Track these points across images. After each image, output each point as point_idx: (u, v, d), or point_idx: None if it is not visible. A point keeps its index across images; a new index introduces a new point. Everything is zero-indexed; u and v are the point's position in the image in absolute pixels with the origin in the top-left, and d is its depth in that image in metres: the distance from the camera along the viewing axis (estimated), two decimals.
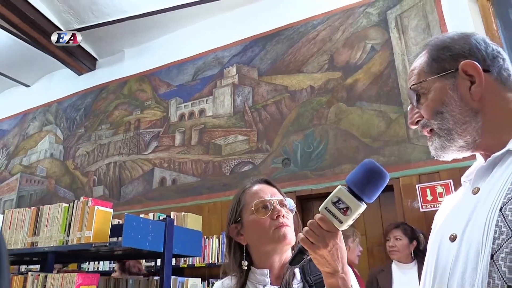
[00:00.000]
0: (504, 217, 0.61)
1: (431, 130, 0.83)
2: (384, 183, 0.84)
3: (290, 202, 1.17)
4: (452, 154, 0.83)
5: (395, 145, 3.87)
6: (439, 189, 3.49)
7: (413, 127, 0.88)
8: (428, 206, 3.47)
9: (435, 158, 0.87)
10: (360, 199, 0.82)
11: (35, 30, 5.39)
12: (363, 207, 0.83)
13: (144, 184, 5.33)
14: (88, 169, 5.94)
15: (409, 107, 0.90)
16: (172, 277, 2.57)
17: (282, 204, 1.15)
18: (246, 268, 1.11)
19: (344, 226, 0.84)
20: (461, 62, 0.78)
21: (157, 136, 5.51)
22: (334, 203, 0.83)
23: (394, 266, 3.01)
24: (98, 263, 4.51)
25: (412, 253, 3.00)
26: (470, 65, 0.78)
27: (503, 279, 0.59)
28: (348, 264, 2.85)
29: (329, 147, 4.21)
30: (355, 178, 0.83)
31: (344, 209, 0.82)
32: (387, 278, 2.93)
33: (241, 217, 1.16)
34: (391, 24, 4.29)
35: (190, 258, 4.03)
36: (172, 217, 3.07)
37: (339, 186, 0.84)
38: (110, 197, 5.51)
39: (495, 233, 0.61)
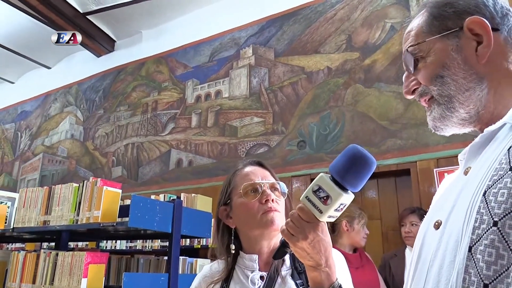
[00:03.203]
0: (486, 203, 0.52)
1: (430, 98, 0.74)
2: (368, 170, 0.76)
3: (283, 186, 1.12)
4: (452, 127, 0.74)
5: (413, 128, 3.75)
6: None
7: (409, 97, 0.79)
8: None
9: (433, 131, 0.78)
10: (343, 188, 0.75)
11: (53, 11, 5.42)
12: (345, 196, 0.75)
13: (161, 165, 5.37)
14: (107, 150, 6.02)
15: (404, 76, 0.80)
16: (181, 257, 2.60)
17: (273, 187, 1.10)
18: (234, 252, 1.07)
19: (325, 217, 0.77)
20: (467, 19, 0.69)
21: (174, 117, 5.52)
22: (314, 192, 0.76)
23: (408, 252, 2.95)
24: (116, 242, 4.59)
25: None
26: (478, 22, 0.68)
27: (480, 276, 0.50)
28: (355, 246, 2.77)
29: (345, 129, 4.13)
30: (337, 164, 0.76)
31: (324, 198, 0.75)
32: (399, 263, 2.87)
33: (231, 199, 1.12)
34: (412, 2, 4.12)
35: (204, 239, 4.06)
36: (182, 198, 3.08)
37: (321, 174, 0.78)
38: (128, 177, 5.59)
39: (475, 221, 0.53)
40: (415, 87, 0.77)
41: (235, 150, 4.81)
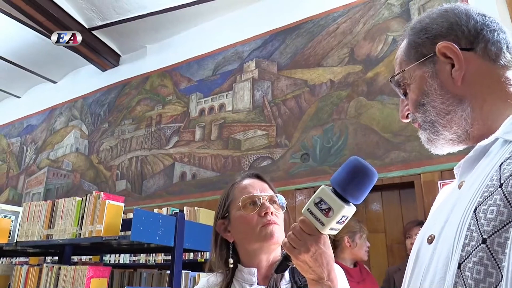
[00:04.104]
0: (477, 220, 0.52)
1: (419, 123, 0.76)
2: (369, 181, 0.76)
3: (281, 199, 1.11)
4: (443, 147, 0.76)
5: (417, 140, 3.72)
6: None
7: (405, 121, 0.82)
8: None
9: (431, 151, 0.80)
10: (345, 200, 0.76)
11: (59, 27, 5.50)
12: (347, 208, 0.75)
13: (165, 179, 5.38)
14: (112, 163, 6.04)
15: (400, 100, 0.82)
16: (184, 271, 2.58)
17: (272, 200, 1.10)
18: (232, 266, 1.07)
19: (327, 230, 0.77)
20: (437, 45, 0.70)
21: (178, 131, 5.55)
22: (316, 204, 0.77)
23: None
24: (119, 256, 4.58)
25: None
26: (446, 46, 0.69)
27: None
28: (357, 261, 2.74)
29: (348, 142, 4.13)
30: (338, 176, 0.77)
31: (326, 210, 0.75)
32: (404, 277, 2.84)
33: (229, 213, 1.11)
34: (413, 15, 4.15)
35: (207, 253, 4.04)
36: (184, 212, 3.08)
37: (322, 186, 0.78)
38: (132, 191, 5.60)
39: (465, 238, 0.53)
40: (407, 112, 0.79)
41: (238, 163, 4.81)
